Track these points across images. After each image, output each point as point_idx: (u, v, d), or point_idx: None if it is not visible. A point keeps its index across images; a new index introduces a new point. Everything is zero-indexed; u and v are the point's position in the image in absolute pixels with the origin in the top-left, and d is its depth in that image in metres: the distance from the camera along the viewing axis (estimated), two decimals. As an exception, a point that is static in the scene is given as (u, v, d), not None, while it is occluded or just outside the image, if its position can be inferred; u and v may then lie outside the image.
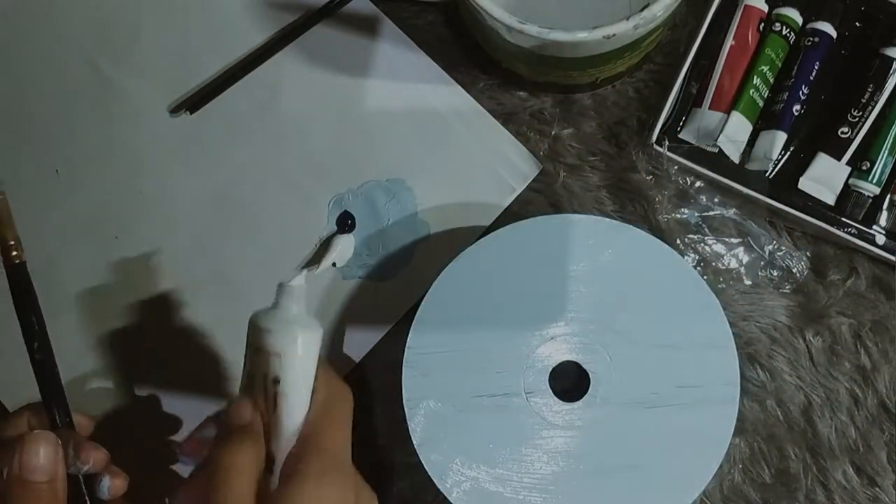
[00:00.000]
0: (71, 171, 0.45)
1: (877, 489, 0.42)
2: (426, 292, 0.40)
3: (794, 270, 0.43)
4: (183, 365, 0.44)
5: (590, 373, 0.39)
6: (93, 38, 0.46)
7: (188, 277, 0.44)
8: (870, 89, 0.41)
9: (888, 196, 0.41)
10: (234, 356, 0.44)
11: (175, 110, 0.45)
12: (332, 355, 0.43)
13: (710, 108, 0.42)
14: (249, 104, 0.45)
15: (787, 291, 0.43)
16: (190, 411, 0.43)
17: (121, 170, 0.45)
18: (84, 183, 0.45)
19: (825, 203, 0.42)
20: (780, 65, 0.42)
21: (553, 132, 0.44)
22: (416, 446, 0.39)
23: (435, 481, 0.38)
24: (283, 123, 0.45)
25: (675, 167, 0.42)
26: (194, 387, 0.44)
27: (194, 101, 0.45)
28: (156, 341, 0.44)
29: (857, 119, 0.41)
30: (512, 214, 0.44)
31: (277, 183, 0.45)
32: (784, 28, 0.42)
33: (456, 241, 0.44)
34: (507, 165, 0.44)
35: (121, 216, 0.45)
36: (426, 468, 0.38)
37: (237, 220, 0.45)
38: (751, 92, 0.41)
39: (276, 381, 0.32)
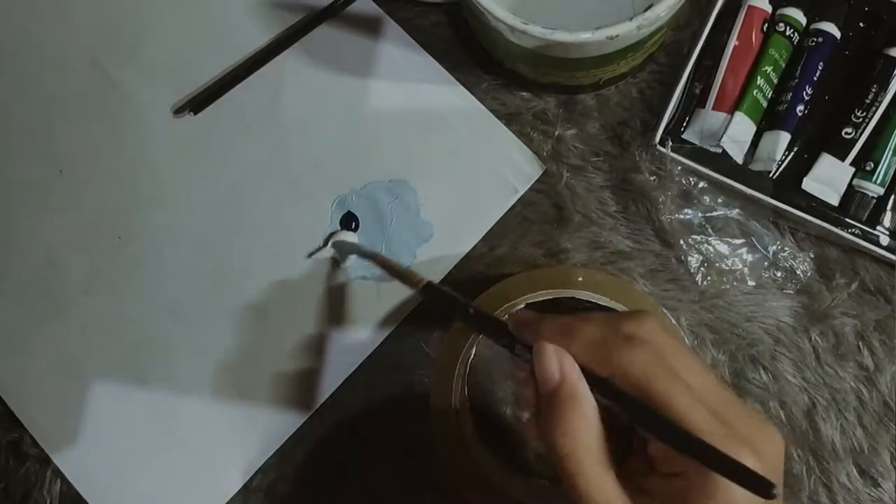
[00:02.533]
0: (75, 171, 0.46)
1: (880, 490, 0.41)
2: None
3: (798, 271, 0.43)
4: (188, 366, 0.44)
5: None
6: (97, 39, 0.46)
7: (191, 278, 0.44)
8: (873, 90, 0.41)
9: (892, 197, 0.41)
10: (238, 356, 0.44)
11: (179, 111, 0.45)
12: (334, 357, 0.43)
13: (713, 109, 0.42)
14: (253, 105, 0.45)
15: (791, 292, 0.43)
16: (198, 410, 0.44)
17: (124, 171, 0.45)
18: (88, 184, 0.45)
19: (829, 204, 0.42)
20: (783, 65, 0.42)
21: (556, 133, 0.44)
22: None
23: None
24: (287, 124, 0.45)
25: (679, 168, 0.42)
26: (200, 387, 0.44)
27: (198, 102, 0.45)
28: (161, 343, 0.44)
29: (860, 119, 0.41)
30: (515, 215, 0.44)
31: (281, 184, 0.45)
32: (788, 28, 0.42)
33: (458, 241, 0.44)
34: (511, 166, 0.44)
35: (124, 217, 0.45)
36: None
37: (240, 220, 0.45)
38: (754, 92, 0.41)
39: None
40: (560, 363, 0.29)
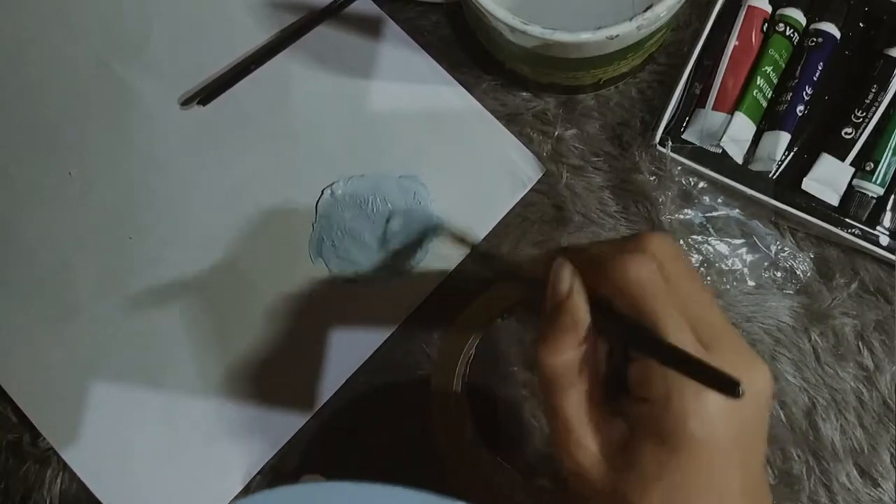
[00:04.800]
0: (84, 172, 0.45)
1: (880, 490, 0.41)
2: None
3: (798, 271, 0.43)
4: (194, 367, 0.44)
5: None
6: (103, 39, 0.46)
7: (202, 274, 0.44)
8: (873, 90, 0.41)
9: (892, 197, 0.41)
10: (248, 351, 0.44)
11: (186, 102, 0.45)
12: (334, 357, 0.43)
13: (713, 109, 0.42)
14: (260, 104, 0.45)
15: (791, 292, 0.43)
16: (202, 411, 0.44)
17: (134, 170, 0.45)
18: (97, 185, 0.45)
19: (829, 204, 0.42)
20: (783, 65, 0.42)
21: (556, 133, 0.44)
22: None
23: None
24: (293, 122, 0.45)
25: (679, 168, 0.42)
26: (204, 388, 0.44)
27: (206, 94, 0.45)
28: (170, 343, 0.44)
29: (860, 120, 0.41)
30: (515, 215, 0.44)
31: (288, 180, 0.45)
32: (788, 29, 0.42)
33: (459, 242, 0.44)
34: (511, 167, 0.44)
35: (135, 217, 0.45)
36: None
37: (249, 217, 0.45)
38: (754, 92, 0.41)
39: None
40: (571, 280, 0.29)
